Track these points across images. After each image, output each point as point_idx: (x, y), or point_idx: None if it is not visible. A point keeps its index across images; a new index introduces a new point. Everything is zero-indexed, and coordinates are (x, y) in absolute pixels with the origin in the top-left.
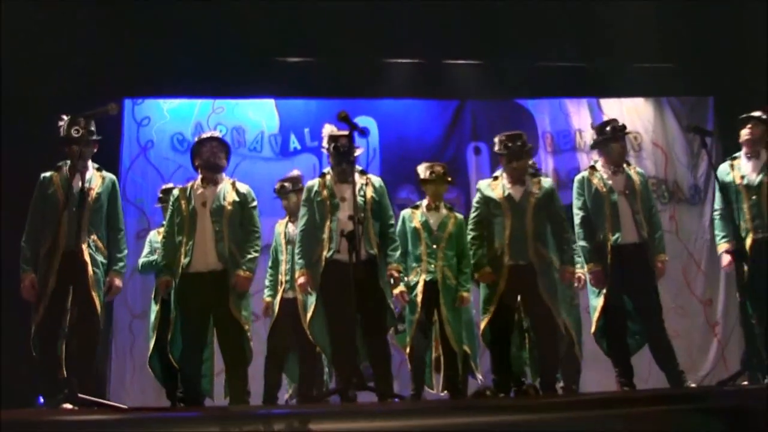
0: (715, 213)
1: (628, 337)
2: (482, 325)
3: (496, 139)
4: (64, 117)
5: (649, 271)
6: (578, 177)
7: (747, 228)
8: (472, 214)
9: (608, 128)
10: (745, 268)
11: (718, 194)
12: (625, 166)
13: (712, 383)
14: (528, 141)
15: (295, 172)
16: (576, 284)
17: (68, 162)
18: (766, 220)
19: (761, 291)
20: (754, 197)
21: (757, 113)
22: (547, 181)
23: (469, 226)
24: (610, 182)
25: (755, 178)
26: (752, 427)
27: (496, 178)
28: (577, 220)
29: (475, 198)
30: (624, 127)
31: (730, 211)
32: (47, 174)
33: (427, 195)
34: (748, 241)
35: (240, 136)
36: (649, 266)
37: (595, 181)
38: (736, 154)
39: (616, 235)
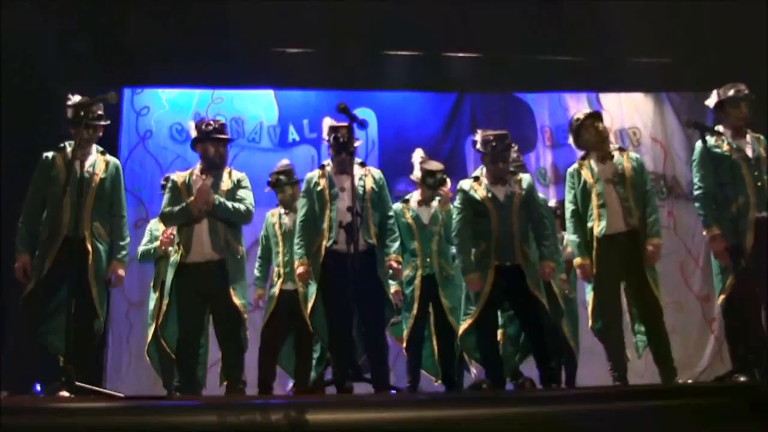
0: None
1: (633, 336)
2: (463, 326)
3: (479, 137)
4: (72, 97)
5: (640, 258)
6: (570, 169)
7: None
8: (456, 216)
9: (582, 116)
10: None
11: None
12: (617, 153)
13: (708, 379)
14: (514, 138)
15: (285, 162)
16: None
17: (71, 143)
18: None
19: None
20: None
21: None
22: (526, 178)
23: (455, 229)
24: (597, 171)
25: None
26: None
27: (477, 178)
28: (567, 213)
29: (458, 199)
30: (596, 113)
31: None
32: (49, 154)
33: (420, 190)
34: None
35: (239, 127)
36: (641, 253)
37: (584, 172)
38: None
39: (601, 226)
